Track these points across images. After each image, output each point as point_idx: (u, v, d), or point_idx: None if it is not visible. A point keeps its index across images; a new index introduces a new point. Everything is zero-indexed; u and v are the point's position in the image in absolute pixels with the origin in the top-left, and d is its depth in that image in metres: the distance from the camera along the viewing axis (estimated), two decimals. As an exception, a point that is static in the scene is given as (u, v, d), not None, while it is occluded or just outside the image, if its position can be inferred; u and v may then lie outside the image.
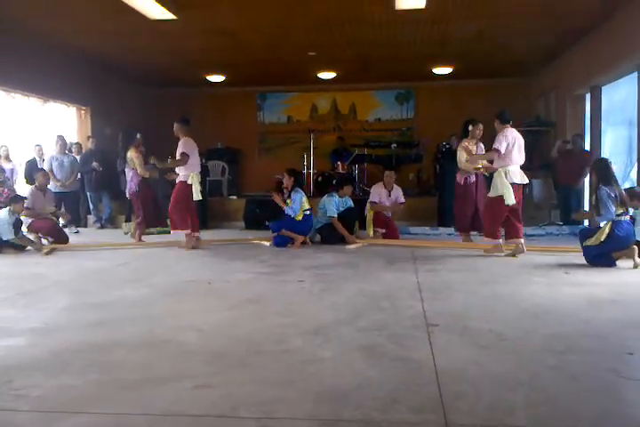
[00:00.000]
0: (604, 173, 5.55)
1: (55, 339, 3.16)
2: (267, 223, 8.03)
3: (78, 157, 9.81)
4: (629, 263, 5.34)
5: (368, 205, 7.77)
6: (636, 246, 5.40)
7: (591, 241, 5.44)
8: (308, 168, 11.11)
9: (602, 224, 5.47)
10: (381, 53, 9.77)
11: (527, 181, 6.34)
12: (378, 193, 7.81)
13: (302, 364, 2.73)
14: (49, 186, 8.02)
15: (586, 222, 8.77)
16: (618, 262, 5.46)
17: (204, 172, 10.09)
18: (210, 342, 3.12)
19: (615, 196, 5.39)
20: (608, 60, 7.81)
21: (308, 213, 7.32)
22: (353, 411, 2.17)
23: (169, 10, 7.00)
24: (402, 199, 7.93)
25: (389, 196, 7.83)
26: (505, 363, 2.70)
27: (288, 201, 7.30)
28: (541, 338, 3.10)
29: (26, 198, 7.22)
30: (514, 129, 6.17)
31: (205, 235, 7.76)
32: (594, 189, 5.64)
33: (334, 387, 2.42)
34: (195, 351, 2.94)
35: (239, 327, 3.41)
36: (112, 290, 4.55)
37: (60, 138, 9.34)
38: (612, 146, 8.90)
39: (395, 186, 7.90)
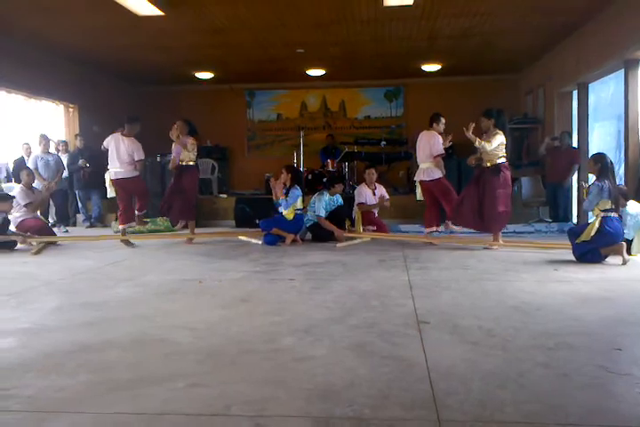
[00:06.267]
0: (604, 168, 5.57)
1: (46, 339, 3.15)
2: (257, 222, 8.03)
3: (65, 155, 9.76)
4: (618, 260, 5.39)
5: (355, 206, 7.83)
6: (624, 243, 5.47)
7: (582, 237, 5.48)
8: (298, 166, 11.10)
9: (590, 219, 5.50)
10: (370, 50, 9.79)
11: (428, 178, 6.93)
12: (363, 194, 7.89)
13: (294, 362, 2.74)
14: (34, 184, 7.97)
15: (574, 220, 8.88)
16: (607, 259, 5.51)
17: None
18: (202, 341, 3.12)
19: (609, 191, 5.44)
20: (595, 57, 7.87)
21: (299, 212, 7.33)
22: (344, 408, 2.19)
23: (157, 6, 6.97)
24: (386, 195, 8.05)
25: (374, 195, 7.92)
26: (495, 360, 2.73)
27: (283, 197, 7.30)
28: (531, 335, 3.13)
29: (13, 197, 7.18)
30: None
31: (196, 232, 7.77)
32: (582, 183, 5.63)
33: (326, 385, 2.43)
34: (187, 351, 2.94)
35: (231, 326, 3.41)
36: (103, 289, 4.53)
37: (44, 137, 9.26)
38: (600, 143, 8.98)
39: (377, 184, 7.99)
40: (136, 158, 7.22)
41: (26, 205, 7.22)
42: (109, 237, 7.75)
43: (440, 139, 6.87)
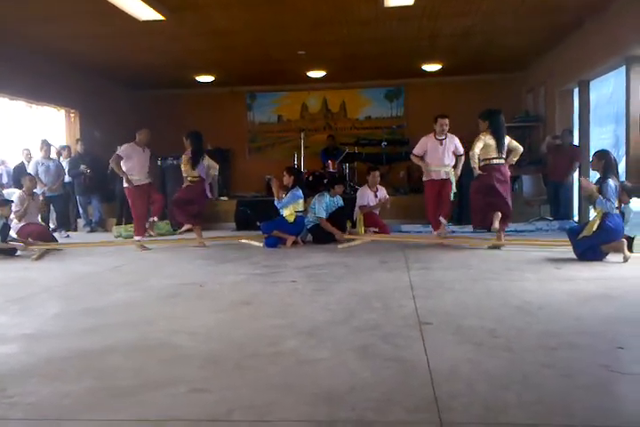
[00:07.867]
0: (609, 164, 5.56)
1: (48, 345, 3.15)
2: (258, 224, 8.03)
3: (67, 161, 9.77)
4: (619, 257, 5.38)
5: (357, 209, 7.83)
6: (625, 240, 5.45)
7: (584, 233, 5.47)
8: (299, 167, 11.10)
9: (591, 217, 5.48)
10: (370, 51, 9.77)
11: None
12: (365, 196, 7.89)
13: (296, 366, 2.73)
14: (35, 189, 7.98)
15: (576, 218, 8.85)
16: (608, 257, 5.50)
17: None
18: (204, 345, 3.11)
19: (616, 188, 5.44)
20: (597, 55, 7.84)
21: (300, 214, 7.33)
22: (348, 412, 2.18)
23: (158, 11, 6.96)
24: (387, 196, 8.09)
25: (376, 197, 7.93)
26: (498, 361, 2.72)
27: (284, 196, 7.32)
28: (534, 335, 3.12)
29: (12, 202, 7.19)
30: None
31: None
32: (598, 181, 5.58)
33: (329, 388, 2.42)
34: (189, 355, 2.94)
35: (233, 330, 3.41)
36: (104, 295, 4.53)
37: (45, 142, 9.27)
38: (600, 140, 8.96)
39: (378, 186, 7.99)
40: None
41: (15, 211, 7.20)
42: (110, 244, 7.72)
43: (422, 141, 7.12)
